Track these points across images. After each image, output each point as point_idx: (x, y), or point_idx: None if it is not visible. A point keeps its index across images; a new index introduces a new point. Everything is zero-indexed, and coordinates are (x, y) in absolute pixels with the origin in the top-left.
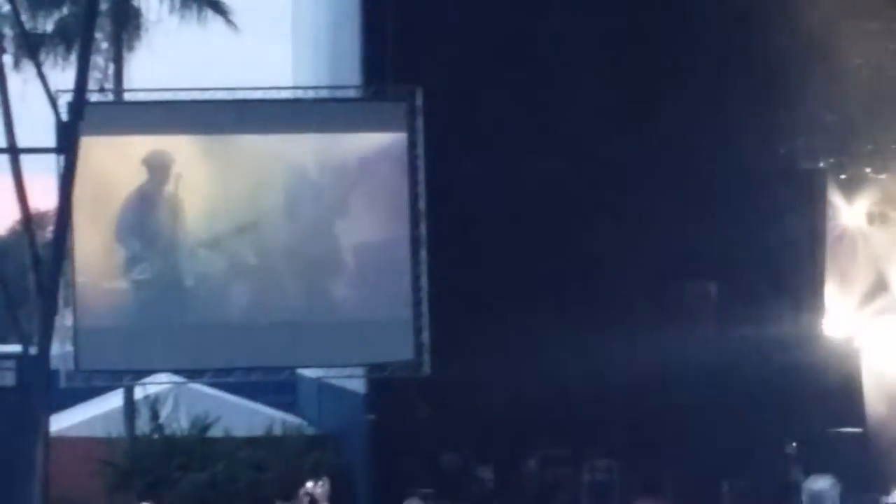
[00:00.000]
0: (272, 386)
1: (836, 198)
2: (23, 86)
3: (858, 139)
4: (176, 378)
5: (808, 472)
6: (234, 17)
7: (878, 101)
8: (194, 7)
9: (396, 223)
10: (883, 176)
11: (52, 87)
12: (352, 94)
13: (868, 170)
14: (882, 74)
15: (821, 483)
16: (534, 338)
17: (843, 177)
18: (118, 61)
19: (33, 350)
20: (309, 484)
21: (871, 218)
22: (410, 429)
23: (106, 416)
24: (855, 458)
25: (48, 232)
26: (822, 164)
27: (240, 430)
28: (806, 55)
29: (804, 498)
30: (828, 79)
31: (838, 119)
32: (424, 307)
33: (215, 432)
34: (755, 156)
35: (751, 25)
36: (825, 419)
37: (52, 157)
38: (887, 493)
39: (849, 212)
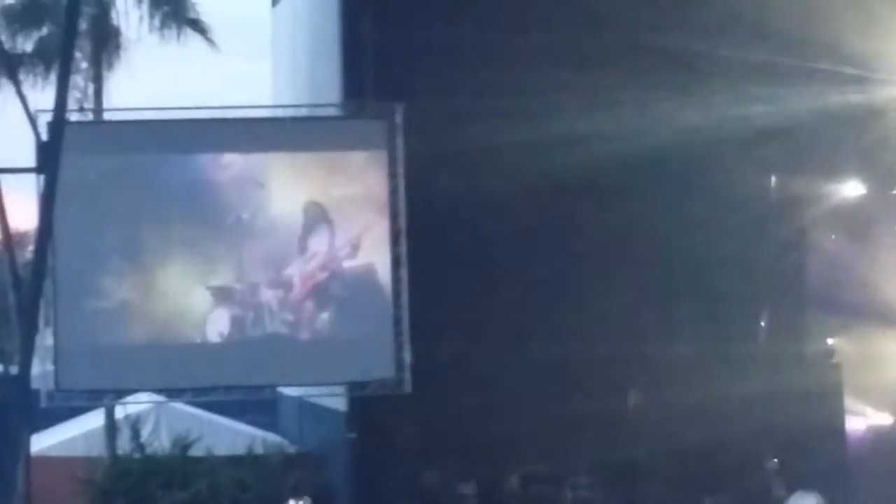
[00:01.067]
0: (253, 405)
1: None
2: (2, 105)
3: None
4: (157, 397)
5: (789, 487)
6: (214, 36)
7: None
8: (174, 26)
9: (376, 241)
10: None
11: (32, 107)
12: (332, 112)
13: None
14: None
15: (806, 501)
16: (516, 354)
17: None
18: (98, 81)
19: (14, 370)
20: (290, 502)
21: (850, 233)
22: (391, 446)
23: (87, 436)
24: (834, 473)
25: (28, 252)
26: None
27: (221, 449)
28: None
29: None
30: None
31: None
32: (405, 325)
33: (196, 451)
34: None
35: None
36: (805, 433)
37: (32, 177)
38: None
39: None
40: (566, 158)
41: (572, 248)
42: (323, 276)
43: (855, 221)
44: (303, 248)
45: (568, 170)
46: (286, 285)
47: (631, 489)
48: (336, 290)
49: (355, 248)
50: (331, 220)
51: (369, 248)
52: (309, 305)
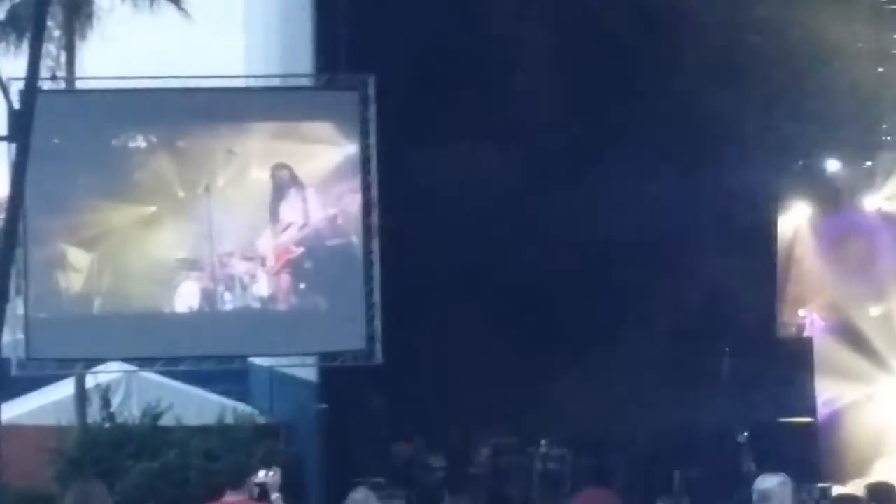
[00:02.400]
0: (224, 375)
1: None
2: None
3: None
4: (127, 367)
5: (759, 462)
6: (187, 6)
7: None
8: None
9: (348, 212)
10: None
11: (4, 76)
12: (304, 82)
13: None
14: None
15: (770, 481)
16: (486, 326)
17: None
18: (70, 50)
19: None
20: (260, 473)
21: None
22: (362, 418)
23: (57, 405)
24: (805, 448)
25: None
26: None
27: (191, 419)
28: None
29: (755, 496)
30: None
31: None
32: (376, 296)
33: (167, 421)
34: (709, 147)
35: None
36: (776, 409)
37: (3, 146)
38: (840, 483)
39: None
40: (543, 134)
41: (546, 217)
42: (299, 250)
43: None
44: (274, 216)
45: (544, 145)
46: (259, 258)
47: (601, 462)
48: (311, 263)
49: (332, 221)
50: (302, 186)
51: (343, 220)
52: (283, 279)
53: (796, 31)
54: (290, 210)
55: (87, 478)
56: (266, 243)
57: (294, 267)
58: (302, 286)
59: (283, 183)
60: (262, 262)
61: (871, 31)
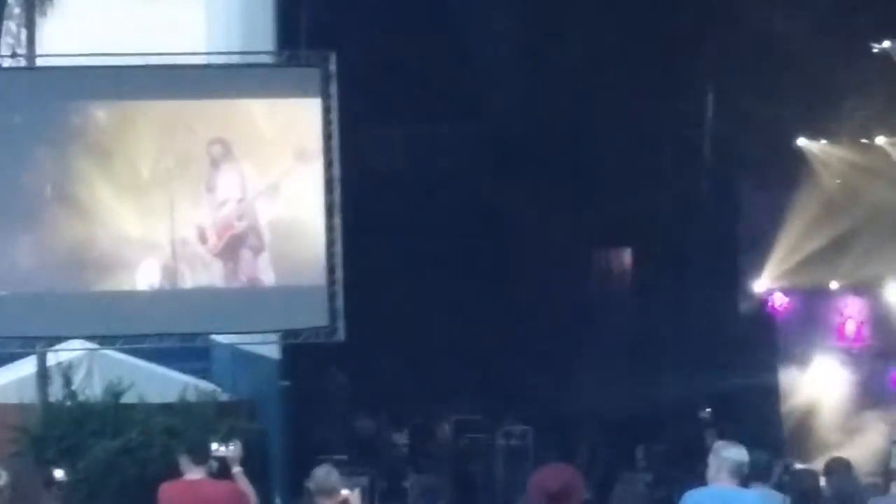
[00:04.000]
0: (186, 352)
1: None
2: None
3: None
4: (89, 345)
5: (721, 437)
6: None
7: None
8: None
9: (310, 189)
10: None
11: None
12: (265, 59)
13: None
14: None
15: (749, 453)
16: (448, 304)
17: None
18: (30, 26)
19: None
20: (220, 448)
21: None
22: (324, 395)
23: (19, 383)
24: (766, 425)
25: None
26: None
27: (153, 397)
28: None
29: (729, 465)
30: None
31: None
32: (339, 273)
33: (129, 399)
34: (674, 120)
35: None
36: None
37: None
38: (803, 460)
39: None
40: (505, 111)
41: (508, 195)
42: (241, 225)
43: None
44: (211, 190)
45: (506, 122)
46: (202, 232)
47: (564, 438)
48: (259, 239)
49: (274, 191)
50: (236, 159)
51: (294, 196)
52: (229, 255)
53: None
54: (228, 184)
55: (18, 458)
56: (206, 219)
57: (242, 244)
58: (261, 264)
59: (219, 157)
60: (206, 239)
61: None
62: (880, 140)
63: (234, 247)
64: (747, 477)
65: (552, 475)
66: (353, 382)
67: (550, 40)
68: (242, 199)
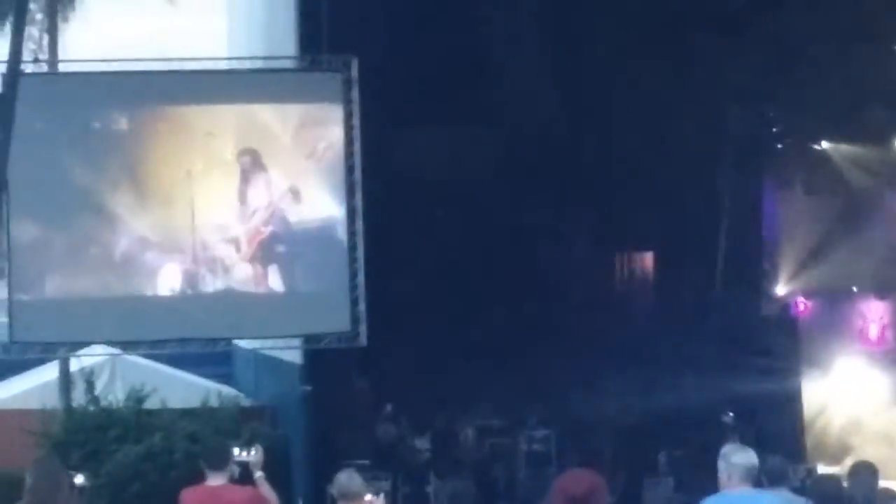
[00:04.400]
0: (208, 357)
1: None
2: None
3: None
4: (111, 350)
5: (743, 441)
6: None
7: None
8: None
9: (332, 194)
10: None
11: None
12: (287, 64)
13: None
14: None
15: (773, 459)
16: (470, 308)
17: (780, 146)
18: (53, 32)
19: None
20: (242, 453)
21: (809, 188)
22: (346, 400)
23: (42, 388)
24: (789, 429)
25: None
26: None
27: (176, 402)
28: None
29: (742, 472)
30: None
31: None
32: (361, 278)
33: (151, 404)
34: (695, 125)
35: None
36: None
37: None
38: (826, 464)
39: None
40: (526, 115)
41: (530, 199)
42: (267, 230)
43: None
44: (243, 201)
45: (527, 126)
46: (235, 241)
47: (586, 443)
48: (284, 244)
49: (297, 196)
50: (265, 168)
51: (316, 201)
52: (259, 261)
53: None
54: (257, 192)
55: (47, 455)
56: (238, 227)
57: (268, 250)
58: (282, 269)
59: (250, 168)
60: (238, 245)
61: None
62: None
63: (261, 252)
64: (761, 482)
65: (575, 480)
66: (374, 387)
67: (574, 44)
68: (269, 204)
